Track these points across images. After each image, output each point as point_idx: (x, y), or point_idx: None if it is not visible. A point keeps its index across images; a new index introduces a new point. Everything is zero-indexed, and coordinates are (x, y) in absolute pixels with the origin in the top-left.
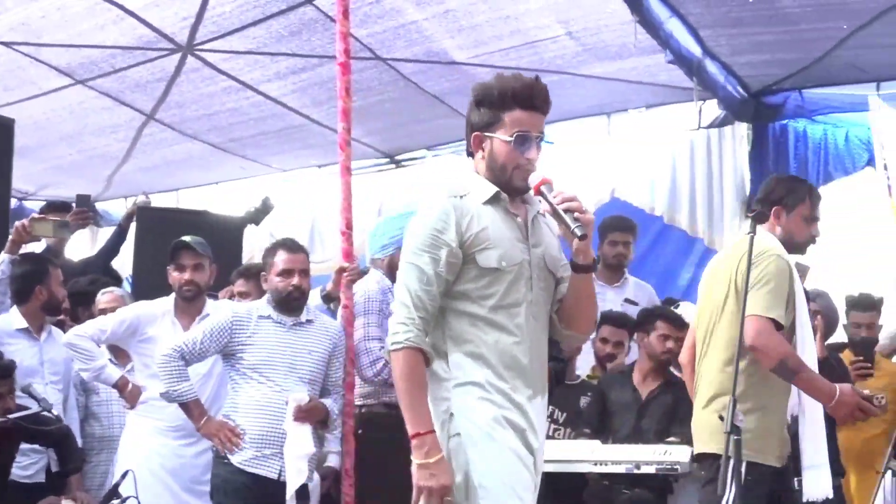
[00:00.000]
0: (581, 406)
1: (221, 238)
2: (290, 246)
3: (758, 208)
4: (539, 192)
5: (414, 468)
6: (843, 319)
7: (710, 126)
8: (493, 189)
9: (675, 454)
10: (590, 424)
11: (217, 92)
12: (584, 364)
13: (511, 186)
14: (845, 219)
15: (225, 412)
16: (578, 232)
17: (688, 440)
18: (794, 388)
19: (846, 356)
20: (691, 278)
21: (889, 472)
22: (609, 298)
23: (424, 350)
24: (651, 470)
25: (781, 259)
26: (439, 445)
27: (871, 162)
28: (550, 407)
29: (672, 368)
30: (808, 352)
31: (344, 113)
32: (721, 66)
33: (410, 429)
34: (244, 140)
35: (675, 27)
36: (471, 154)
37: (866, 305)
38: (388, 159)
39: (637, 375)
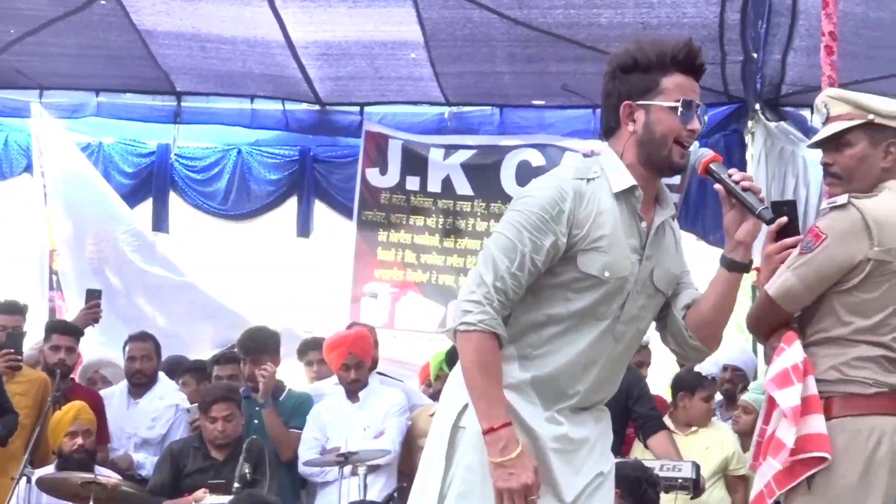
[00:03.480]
0: None
1: None
2: None
3: None
4: (708, 172)
5: (491, 468)
6: None
7: None
8: (630, 181)
9: None
10: None
11: None
12: None
13: (669, 163)
14: (1, 221)
15: None
16: (767, 215)
17: None
18: None
19: None
20: None
21: (24, 479)
22: None
23: (500, 336)
24: None
25: None
26: (517, 438)
27: (28, 168)
28: None
29: None
30: None
31: None
32: None
33: (483, 423)
34: None
35: None
36: (608, 132)
37: (10, 310)
38: None
39: None
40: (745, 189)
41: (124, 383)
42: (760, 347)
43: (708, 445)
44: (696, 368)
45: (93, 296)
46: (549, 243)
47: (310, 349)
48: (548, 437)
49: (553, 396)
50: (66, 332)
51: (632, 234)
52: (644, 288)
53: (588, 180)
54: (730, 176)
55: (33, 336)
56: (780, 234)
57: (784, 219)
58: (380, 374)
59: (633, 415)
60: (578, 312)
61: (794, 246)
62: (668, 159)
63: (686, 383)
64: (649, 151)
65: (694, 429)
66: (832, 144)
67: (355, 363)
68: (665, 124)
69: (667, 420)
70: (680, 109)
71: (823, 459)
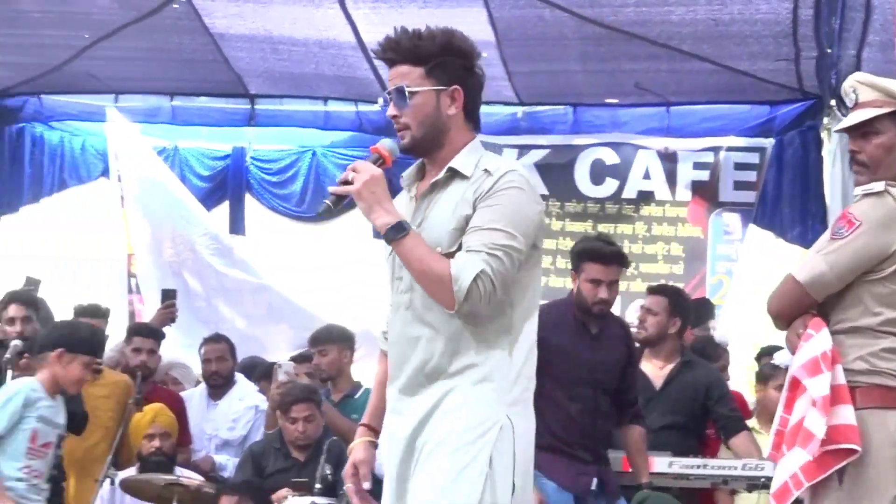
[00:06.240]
0: None
1: None
2: None
3: None
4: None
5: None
6: None
7: None
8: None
9: None
10: None
11: None
12: None
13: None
14: (79, 226)
15: None
16: (325, 200)
17: None
18: None
19: None
20: None
21: (108, 481)
22: None
23: None
24: None
25: None
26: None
27: (105, 172)
28: None
29: None
30: None
31: None
32: None
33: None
34: None
35: None
36: None
37: (92, 313)
38: None
39: None
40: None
41: (203, 385)
42: None
43: None
44: (773, 361)
45: (168, 295)
46: None
47: None
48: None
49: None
50: (147, 334)
51: (407, 207)
52: None
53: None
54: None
55: (112, 338)
56: None
57: None
58: None
59: (713, 415)
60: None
61: None
62: None
63: (760, 376)
64: None
65: None
66: (859, 132)
67: None
68: None
69: (754, 421)
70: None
71: (853, 451)
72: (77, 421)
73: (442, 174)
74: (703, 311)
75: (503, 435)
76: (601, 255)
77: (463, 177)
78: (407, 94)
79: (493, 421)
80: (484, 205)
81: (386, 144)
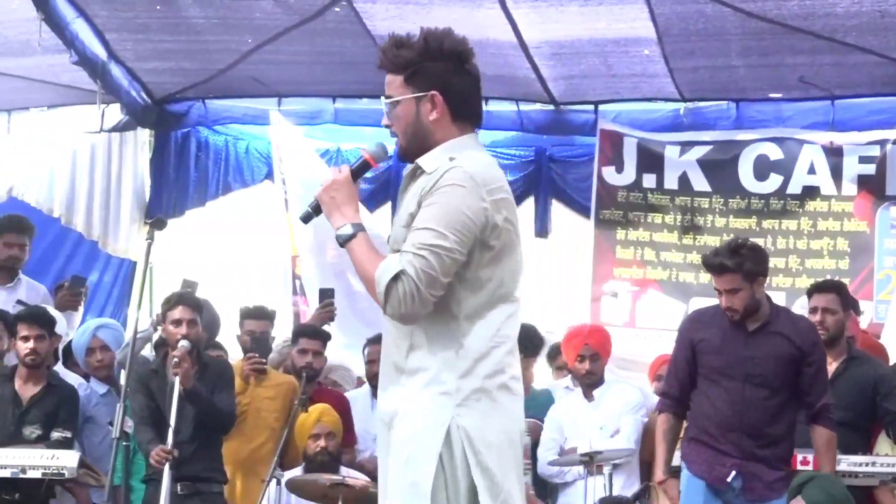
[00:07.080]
0: None
1: None
2: None
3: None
4: None
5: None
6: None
7: (113, 130)
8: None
9: (62, 459)
10: None
11: None
12: None
13: None
14: (243, 228)
15: None
16: (308, 207)
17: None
18: None
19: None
20: (96, 283)
21: (274, 481)
22: (1, 299)
23: None
24: (37, 475)
25: None
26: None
27: (269, 175)
28: None
29: None
30: None
31: None
32: (126, 70)
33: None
34: None
35: (80, 28)
36: None
37: (259, 315)
38: None
39: (19, 378)
40: None
41: (367, 386)
42: None
43: None
44: None
45: (325, 295)
46: None
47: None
48: None
49: None
50: (313, 336)
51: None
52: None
53: None
54: None
55: (276, 338)
56: None
57: None
58: None
59: (880, 411)
60: None
61: None
62: None
63: None
64: None
65: None
66: None
67: (590, 354)
68: None
69: None
70: None
71: None
72: (224, 418)
73: (408, 170)
74: None
75: (450, 438)
76: (707, 266)
77: (426, 174)
78: (391, 103)
79: (438, 425)
80: (424, 204)
81: (371, 147)
